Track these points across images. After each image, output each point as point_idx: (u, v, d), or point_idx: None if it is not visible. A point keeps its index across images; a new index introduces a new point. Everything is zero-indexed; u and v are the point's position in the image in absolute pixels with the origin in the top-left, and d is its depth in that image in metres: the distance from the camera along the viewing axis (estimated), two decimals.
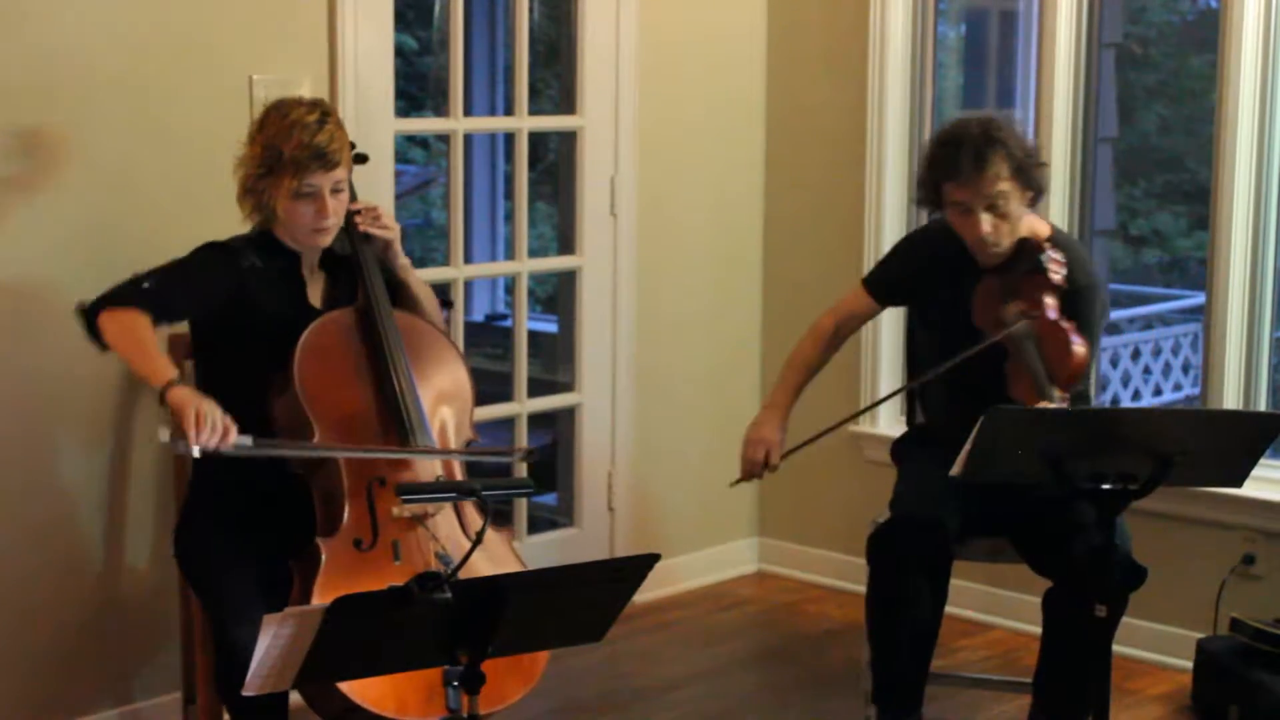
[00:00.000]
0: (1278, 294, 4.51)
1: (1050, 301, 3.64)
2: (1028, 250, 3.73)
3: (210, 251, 3.51)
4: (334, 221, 3.49)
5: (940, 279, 3.89)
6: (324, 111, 3.47)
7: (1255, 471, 3.41)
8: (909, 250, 4.08)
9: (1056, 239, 3.81)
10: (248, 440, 3.23)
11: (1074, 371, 3.57)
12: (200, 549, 3.47)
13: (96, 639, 3.93)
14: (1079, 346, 3.58)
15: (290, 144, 3.39)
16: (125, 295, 3.35)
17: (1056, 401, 3.49)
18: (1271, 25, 4.40)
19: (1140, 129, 9.24)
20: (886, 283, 4.05)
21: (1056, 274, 3.66)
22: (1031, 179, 3.72)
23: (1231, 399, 4.51)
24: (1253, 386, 4.52)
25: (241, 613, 3.20)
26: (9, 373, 3.75)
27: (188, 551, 3.53)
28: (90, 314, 3.35)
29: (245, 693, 2.51)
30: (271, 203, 3.44)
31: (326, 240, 3.52)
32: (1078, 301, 3.70)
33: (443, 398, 3.60)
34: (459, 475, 3.56)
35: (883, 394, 5.16)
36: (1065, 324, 3.62)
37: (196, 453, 3.14)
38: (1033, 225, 3.82)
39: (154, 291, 3.36)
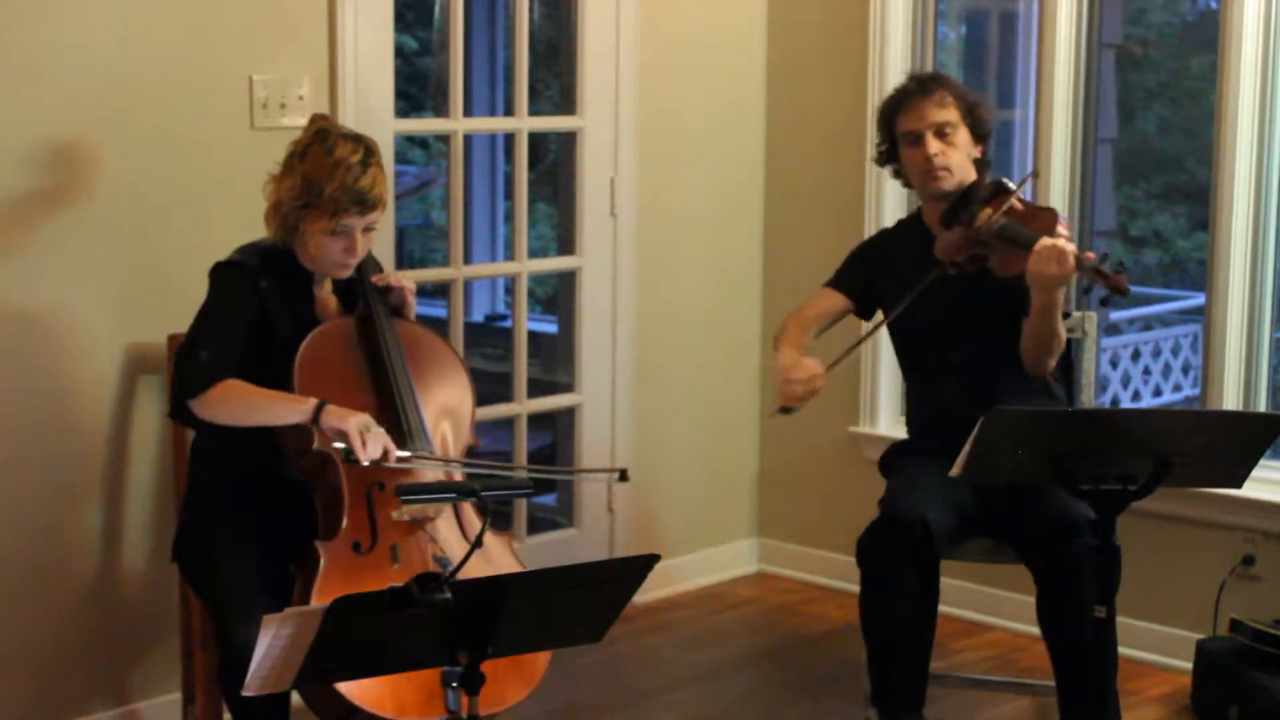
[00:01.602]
0: (1277, 295, 4.51)
1: (1021, 208, 3.81)
2: (985, 183, 3.90)
3: (230, 281, 3.47)
4: (359, 259, 3.49)
5: (897, 265, 4.00)
6: (368, 149, 3.44)
7: (1255, 472, 3.41)
8: (862, 246, 4.25)
9: None
10: (407, 453, 3.39)
11: (1063, 224, 3.73)
12: (202, 550, 3.47)
13: (96, 639, 3.94)
14: (1060, 213, 3.79)
15: (333, 184, 3.37)
16: (199, 376, 3.38)
17: (1049, 240, 3.63)
18: (1271, 26, 4.40)
19: (1140, 130, 9.25)
20: (849, 270, 4.15)
21: (1020, 197, 3.83)
22: (977, 119, 3.92)
23: (1231, 400, 4.51)
24: (1252, 387, 4.52)
25: (245, 613, 3.20)
26: (9, 377, 3.75)
27: (189, 553, 3.53)
28: (183, 413, 3.41)
29: (245, 693, 2.51)
30: (303, 233, 3.44)
31: (347, 273, 3.52)
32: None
33: (443, 402, 3.60)
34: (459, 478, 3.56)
35: (883, 394, 5.17)
36: (1040, 206, 3.86)
37: (367, 463, 3.27)
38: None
39: (216, 359, 3.39)
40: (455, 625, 2.56)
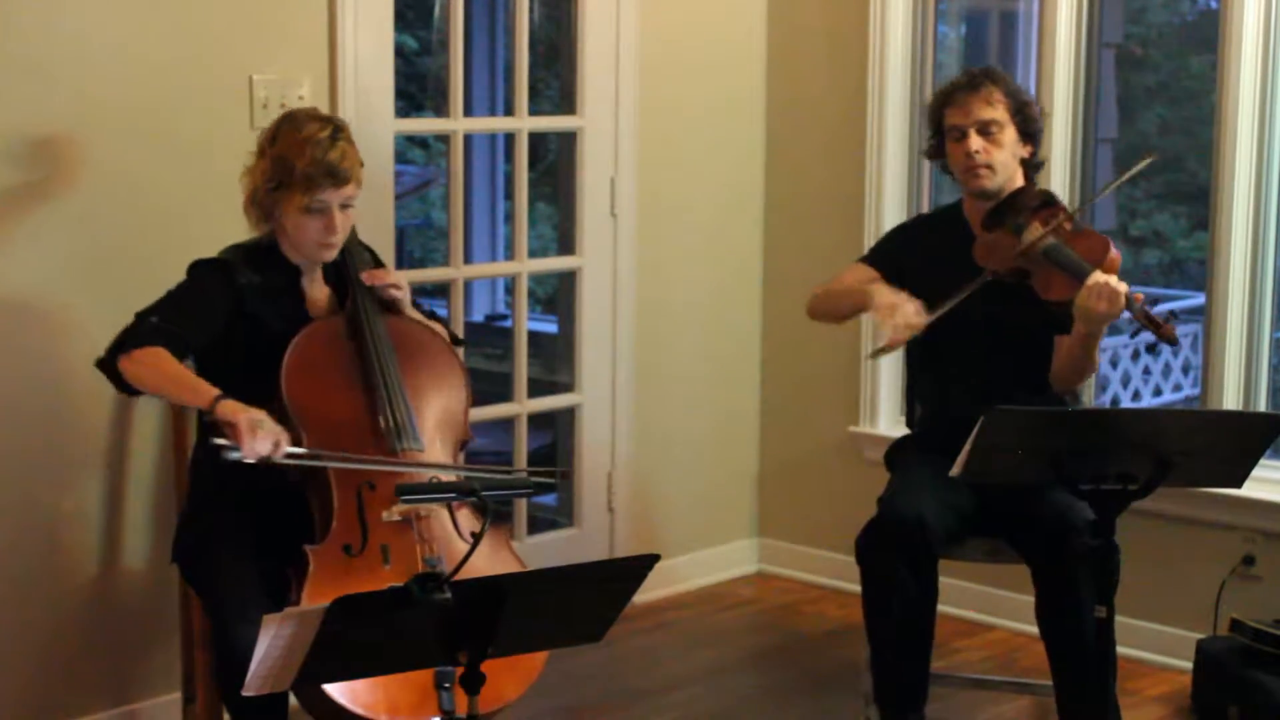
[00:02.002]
0: (1277, 295, 4.51)
1: (1069, 225, 3.75)
2: (1034, 192, 3.85)
3: (206, 272, 3.50)
4: (340, 237, 3.49)
5: (932, 262, 3.93)
6: (336, 127, 3.47)
7: (1255, 472, 3.41)
8: (900, 229, 4.22)
9: None
10: (302, 450, 3.29)
11: (1114, 260, 3.66)
12: (201, 550, 3.47)
13: (96, 639, 3.93)
14: (1112, 243, 3.70)
15: (303, 160, 3.39)
16: (138, 336, 3.36)
17: (1102, 278, 3.57)
18: (1271, 26, 4.40)
19: (1140, 129, 9.24)
20: (886, 252, 4.11)
21: (1067, 211, 3.77)
22: (1027, 119, 3.87)
23: (1231, 399, 4.51)
24: (1252, 387, 4.52)
25: (242, 613, 3.19)
26: (9, 375, 3.75)
27: (188, 553, 3.53)
28: (110, 364, 3.38)
29: (245, 693, 2.51)
30: (280, 216, 3.45)
31: (331, 255, 3.52)
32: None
33: (434, 398, 3.58)
34: (452, 476, 3.54)
35: (882, 392, 5.17)
36: (1090, 230, 3.76)
37: (252, 460, 3.18)
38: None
39: (163, 326, 3.37)
40: (456, 625, 2.56)
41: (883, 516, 3.74)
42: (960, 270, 3.79)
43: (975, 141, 3.84)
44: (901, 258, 4.03)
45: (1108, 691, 3.57)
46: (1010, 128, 3.86)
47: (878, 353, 3.89)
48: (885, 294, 3.80)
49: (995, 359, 3.90)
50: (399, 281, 3.64)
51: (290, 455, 3.25)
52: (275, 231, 3.51)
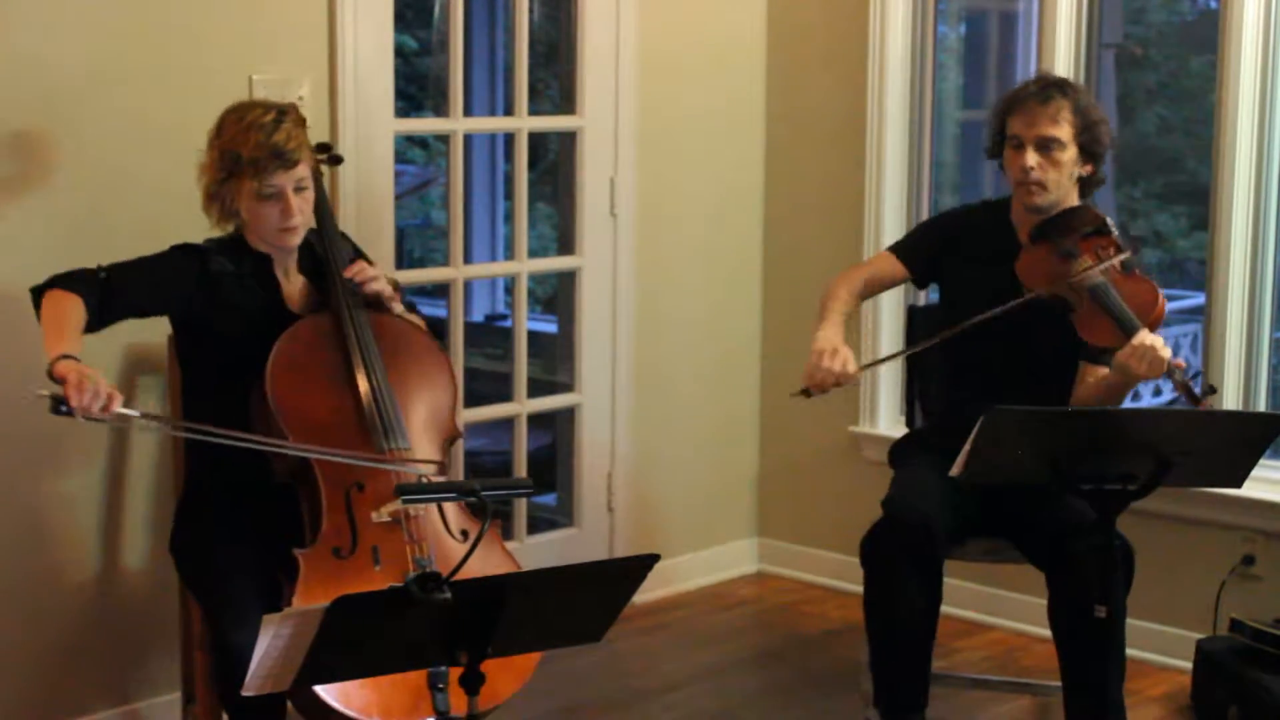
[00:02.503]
0: (1277, 295, 4.51)
1: (1118, 257, 3.68)
2: (1089, 216, 3.76)
3: (179, 252, 3.51)
4: (300, 220, 3.47)
5: (972, 256, 3.88)
6: (281, 110, 3.46)
7: (1255, 472, 3.42)
8: (941, 220, 4.08)
9: None
10: (134, 412, 3.21)
11: (1160, 313, 3.60)
12: (197, 551, 3.47)
13: (95, 639, 3.93)
14: (1160, 292, 3.63)
15: (248, 146, 3.38)
16: (74, 279, 3.34)
17: (1148, 340, 3.50)
18: (1271, 26, 4.40)
19: (1140, 129, 9.23)
20: (917, 247, 4.03)
21: (1119, 241, 3.69)
22: (1092, 140, 3.75)
23: (1231, 399, 4.51)
24: (1252, 387, 4.52)
25: (240, 614, 3.19)
26: (6, 372, 3.75)
27: (184, 553, 3.53)
28: (38, 292, 3.35)
29: (245, 693, 2.51)
30: (235, 206, 3.44)
31: (295, 240, 3.51)
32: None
33: (420, 395, 3.57)
34: (445, 475, 3.53)
35: (882, 392, 5.17)
36: (1140, 274, 3.67)
37: (79, 418, 3.08)
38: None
39: (105, 281, 3.35)
40: (455, 625, 2.56)
41: (889, 519, 3.72)
42: (1000, 279, 3.75)
43: (1031, 157, 3.73)
44: (939, 255, 3.98)
45: (1116, 693, 3.57)
46: (1072, 147, 3.75)
47: (797, 394, 3.78)
48: (821, 336, 3.77)
49: (1014, 367, 3.83)
50: (377, 275, 3.62)
51: (122, 415, 3.13)
52: (238, 225, 3.51)
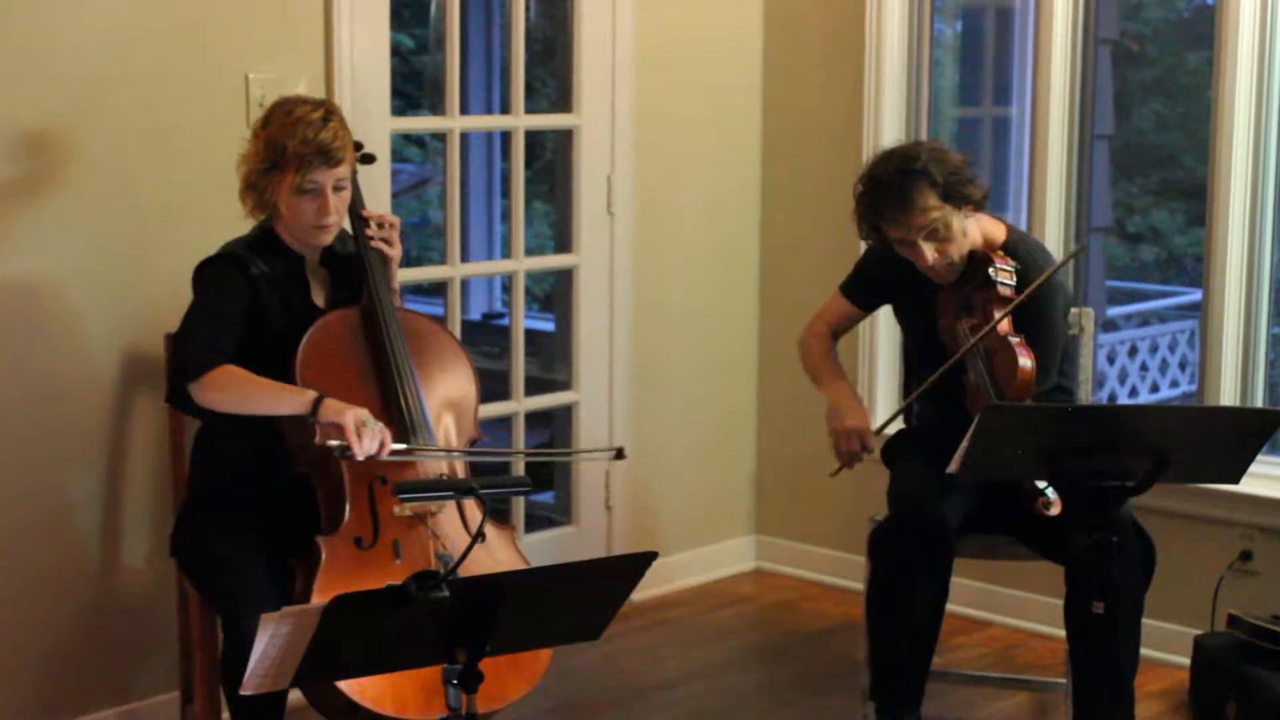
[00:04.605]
0: (1274, 290, 4.52)
1: (999, 314, 3.66)
2: (976, 263, 3.75)
3: (221, 271, 3.50)
4: (335, 219, 3.49)
5: (909, 284, 3.90)
6: (328, 109, 3.49)
7: (1252, 468, 3.41)
8: (879, 255, 4.01)
9: (1010, 244, 3.82)
10: (402, 446, 3.36)
11: (1020, 387, 3.60)
12: (201, 544, 3.47)
13: (94, 639, 3.93)
14: (1025, 361, 3.61)
15: (294, 140, 3.40)
16: (197, 360, 3.39)
17: None
18: (1268, 22, 4.40)
19: (1137, 125, 9.24)
20: (861, 288, 4.08)
21: (1005, 287, 3.68)
22: (962, 195, 3.69)
23: (1228, 395, 4.51)
24: (1249, 383, 4.52)
25: (251, 602, 3.19)
26: (6, 373, 3.75)
27: (187, 548, 3.53)
28: (180, 398, 3.43)
29: (243, 692, 2.51)
30: (274, 199, 3.45)
31: (328, 238, 3.53)
32: (1030, 309, 3.70)
33: (446, 395, 3.60)
34: (463, 474, 3.56)
35: (881, 392, 5.17)
36: (1014, 339, 3.64)
37: (361, 459, 3.26)
38: (987, 230, 3.83)
39: (215, 343, 3.40)
40: (454, 623, 2.56)
41: (903, 516, 3.72)
42: (930, 292, 3.80)
43: (929, 253, 3.69)
44: (881, 282, 4.00)
45: (1122, 686, 3.58)
46: (951, 212, 3.67)
47: (835, 473, 3.93)
48: (842, 416, 3.88)
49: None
50: (396, 243, 3.65)
51: (394, 453, 3.32)
52: (272, 219, 3.52)
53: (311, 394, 3.30)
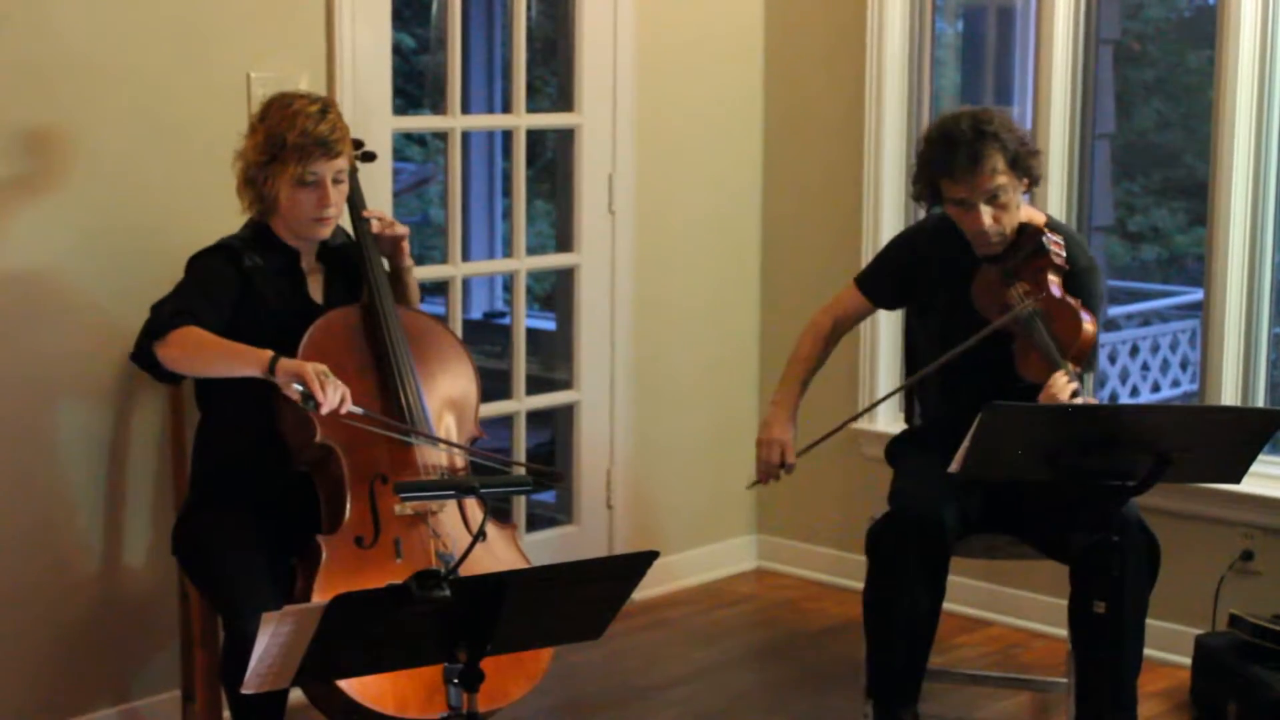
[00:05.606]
0: (1275, 290, 4.51)
1: (1055, 279, 3.70)
2: (1029, 234, 3.78)
3: (213, 259, 3.52)
4: (334, 212, 3.50)
5: (935, 277, 3.89)
6: (325, 103, 3.51)
7: (1254, 468, 3.42)
8: (901, 248, 4.06)
9: (1052, 224, 3.87)
10: (359, 410, 3.31)
11: (1084, 344, 3.64)
12: (203, 542, 3.48)
13: (95, 638, 3.93)
14: (1088, 322, 3.66)
15: (293, 132, 3.41)
16: (164, 322, 3.38)
17: (1069, 375, 3.54)
18: (1269, 21, 4.40)
19: (1138, 125, 9.24)
20: (879, 282, 4.06)
21: (1058, 256, 3.73)
22: (1027, 168, 3.74)
23: (1230, 395, 4.51)
24: (1251, 383, 4.52)
25: (252, 600, 3.20)
26: (7, 372, 3.75)
27: (189, 546, 3.54)
28: (145, 354, 3.41)
29: (244, 691, 2.51)
30: (273, 192, 3.46)
31: (327, 231, 3.53)
32: (1079, 281, 3.77)
33: (447, 393, 3.61)
34: (465, 472, 3.56)
35: (881, 392, 5.16)
36: (1072, 300, 3.69)
37: (327, 411, 3.22)
38: (1029, 213, 3.88)
39: (186, 310, 3.39)
40: (454, 622, 2.56)
41: (899, 514, 3.72)
42: (961, 299, 3.79)
43: (987, 216, 3.71)
44: (902, 282, 4.00)
45: (1125, 686, 3.58)
46: (1012, 182, 3.71)
47: (751, 485, 4.08)
48: (768, 429, 4.01)
49: (1001, 378, 3.77)
50: (404, 231, 3.71)
51: (355, 417, 3.29)
52: (268, 213, 3.52)
53: (269, 353, 3.27)
